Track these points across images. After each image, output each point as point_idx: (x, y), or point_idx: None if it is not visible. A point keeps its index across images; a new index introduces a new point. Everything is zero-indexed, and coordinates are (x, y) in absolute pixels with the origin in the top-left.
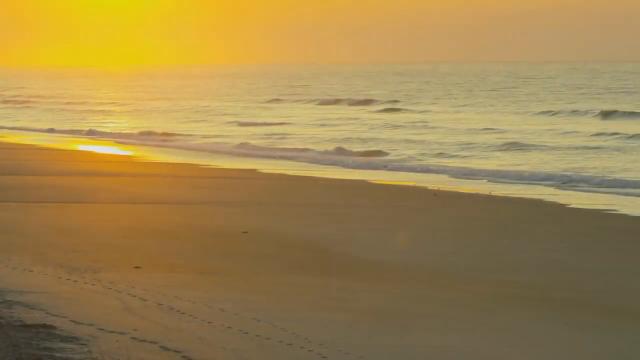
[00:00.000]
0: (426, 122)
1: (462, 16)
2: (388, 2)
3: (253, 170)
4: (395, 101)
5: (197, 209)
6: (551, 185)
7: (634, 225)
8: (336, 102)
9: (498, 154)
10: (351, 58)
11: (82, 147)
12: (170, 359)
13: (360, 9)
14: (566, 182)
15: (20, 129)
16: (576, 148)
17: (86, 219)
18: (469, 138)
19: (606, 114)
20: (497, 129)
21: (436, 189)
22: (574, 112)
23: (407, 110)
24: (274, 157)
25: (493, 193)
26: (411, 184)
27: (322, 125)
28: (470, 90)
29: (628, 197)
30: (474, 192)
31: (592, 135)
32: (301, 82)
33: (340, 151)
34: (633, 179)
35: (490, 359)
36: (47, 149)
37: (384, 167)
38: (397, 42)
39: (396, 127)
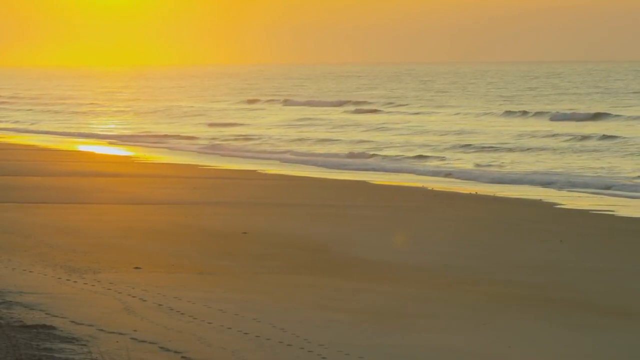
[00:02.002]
0: (387, 122)
1: (462, 16)
2: (388, 2)
3: (253, 171)
4: (369, 102)
5: (197, 209)
6: (549, 186)
7: (633, 226)
8: (308, 103)
9: (489, 154)
10: (351, 58)
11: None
12: (170, 359)
13: (360, 9)
14: (564, 182)
15: None
16: (574, 149)
17: (86, 219)
18: (445, 139)
19: (598, 115)
20: (486, 131)
21: (435, 189)
22: (568, 112)
23: (381, 111)
24: (241, 157)
25: (494, 194)
26: (412, 184)
27: (290, 125)
28: (466, 90)
29: (627, 199)
30: (467, 192)
31: (586, 136)
32: (294, 82)
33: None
34: (630, 180)
35: (490, 359)
36: (46, 149)
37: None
38: (397, 42)
39: (367, 128)
